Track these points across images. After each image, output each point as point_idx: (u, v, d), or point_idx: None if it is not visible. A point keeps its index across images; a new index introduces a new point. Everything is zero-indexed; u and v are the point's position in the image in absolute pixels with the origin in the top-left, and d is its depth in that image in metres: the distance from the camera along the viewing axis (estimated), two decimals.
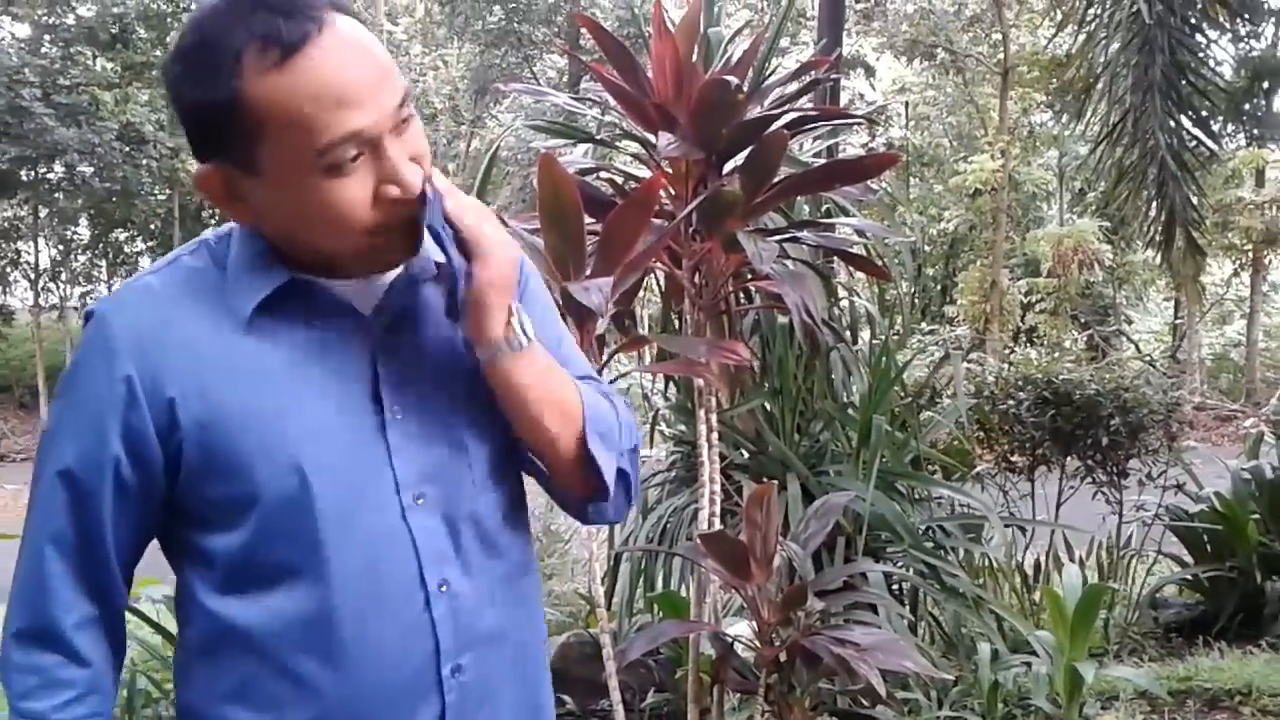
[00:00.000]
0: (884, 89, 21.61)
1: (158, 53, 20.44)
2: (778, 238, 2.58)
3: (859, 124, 3.91)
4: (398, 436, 1.20)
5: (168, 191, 20.57)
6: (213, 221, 22.76)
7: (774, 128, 2.45)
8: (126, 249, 23.35)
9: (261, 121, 1.10)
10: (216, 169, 1.16)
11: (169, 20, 19.82)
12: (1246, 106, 18.47)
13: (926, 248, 22.66)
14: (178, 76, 1.14)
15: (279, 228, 1.18)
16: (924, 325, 18.91)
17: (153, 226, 22.24)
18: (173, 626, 3.63)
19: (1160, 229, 6.66)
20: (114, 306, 1.21)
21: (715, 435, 2.62)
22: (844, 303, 4.23)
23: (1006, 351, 16.45)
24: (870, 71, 20.98)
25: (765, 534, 2.18)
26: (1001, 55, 18.90)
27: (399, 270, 1.23)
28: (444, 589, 1.20)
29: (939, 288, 22.73)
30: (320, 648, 1.16)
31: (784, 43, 18.16)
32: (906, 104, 21.19)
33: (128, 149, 18.43)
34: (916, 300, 21.98)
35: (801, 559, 2.31)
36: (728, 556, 2.17)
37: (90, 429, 1.17)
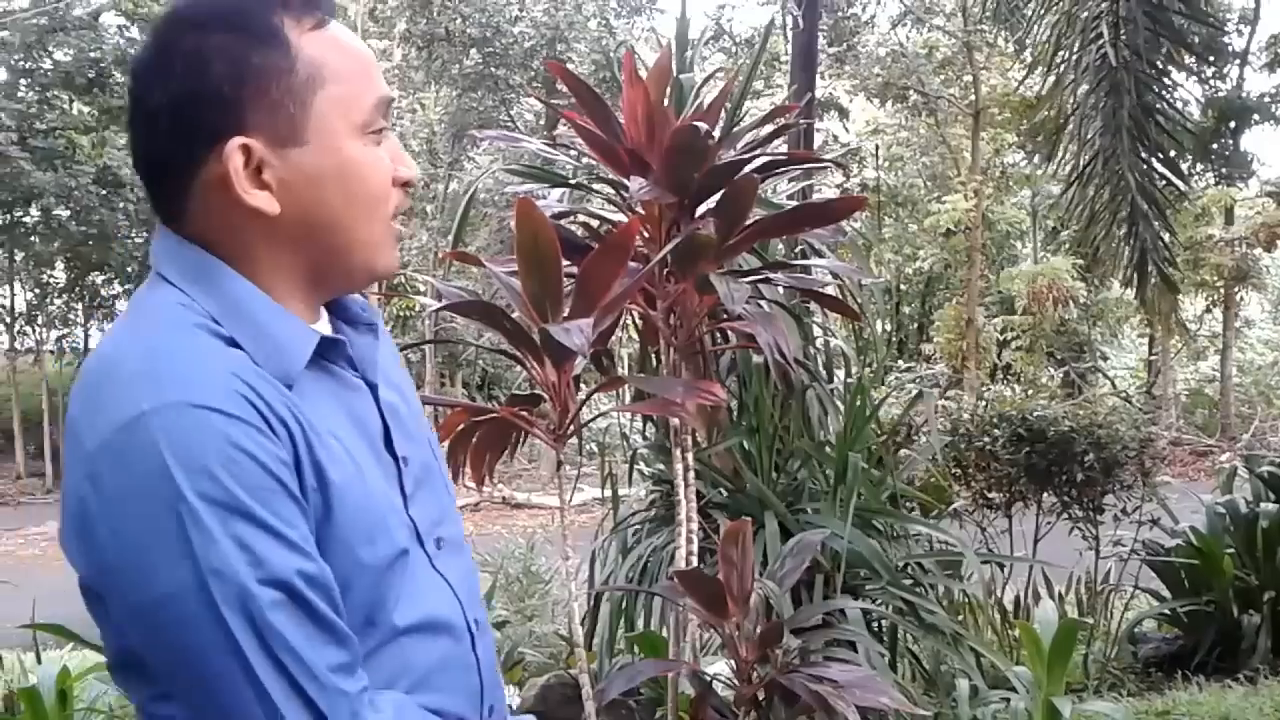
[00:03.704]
0: (858, 130, 21.83)
1: None
2: (750, 279, 2.61)
3: (829, 167, 3.96)
4: (410, 484, 1.18)
5: (145, 234, 20.52)
6: None
7: (745, 172, 2.49)
8: (103, 292, 23.23)
9: (318, 78, 1.09)
10: (244, 144, 1.07)
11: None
12: (1214, 146, 18.79)
13: (903, 286, 22.84)
14: (215, 45, 1.06)
15: (305, 210, 1.10)
16: (901, 363, 19.02)
17: (129, 270, 22.14)
18: None
19: (1133, 267, 6.76)
20: None
21: (691, 474, 2.64)
22: (820, 342, 4.27)
23: (983, 389, 16.54)
24: (844, 113, 21.19)
25: (742, 572, 2.19)
26: (973, 97, 19.15)
27: (324, 319, 1.20)
28: (478, 626, 1.21)
29: (916, 325, 22.90)
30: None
31: (759, 85, 18.37)
32: (876, 147, 21.39)
33: (104, 192, 18.42)
34: (894, 338, 22.14)
35: (778, 596, 2.33)
36: (705, 595, 2.18)
37: None
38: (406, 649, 1.10)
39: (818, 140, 15.35)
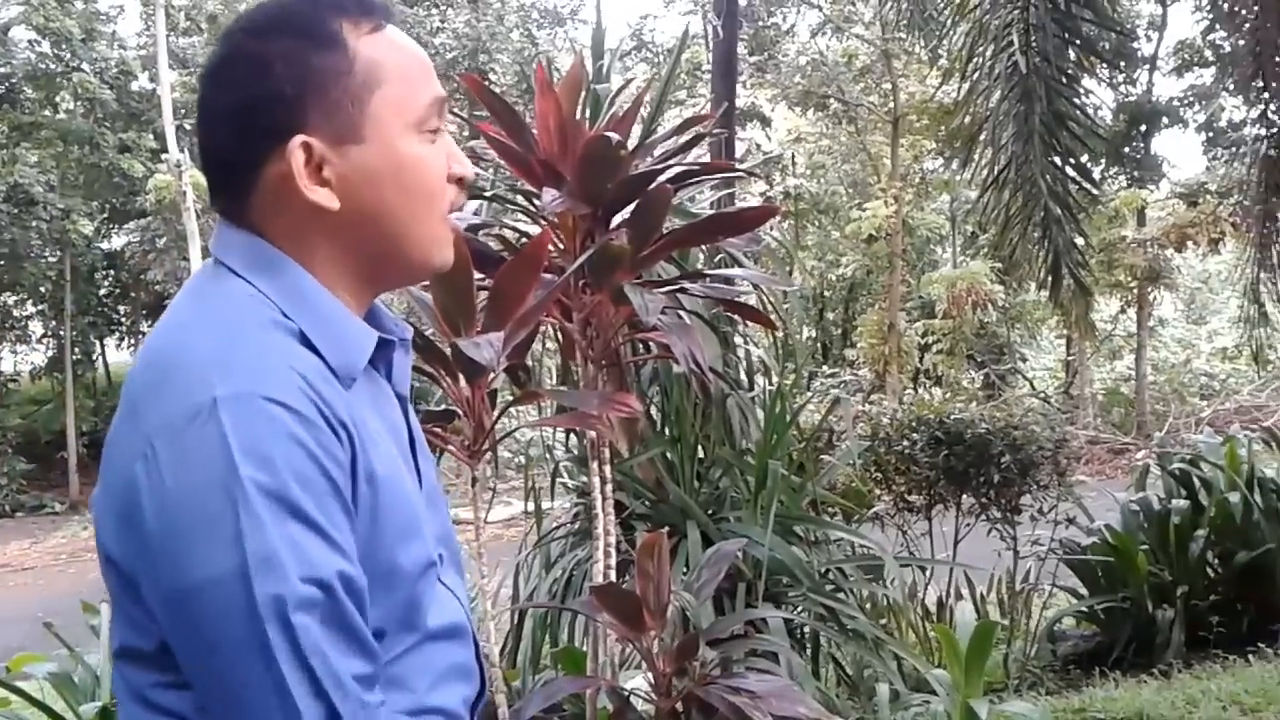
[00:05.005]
0: (780, 139, 22.00)
1: (46, 113, 20.02)
2: (665, 289, 2.61)
3: (743, 177, 3.97)
4: (425, 498, 1.20)
5: (58, 253, 20.06)
6: (106, 283, 22.26)
7: (659, 182, 2.49)
8: (15, 313, 22.69)
9: (375, 78, 1.13)
10: (306, 143, 1.11)
11: (58, 80, 19.44)
12: (1126, 149, 19.23)
13: (827, 292, 23.06)
14: (278, 49, 1.11)
15: (364, 205, 1.13)
16: (826, 368, 19.19)
17: (43, 289, 21.66)
18: (59, 705, 3.48)
19: (1047, 270, 6.88)
20: None
21: (610, 487, 2.63)
22: (741, 350, 4.29)
23: (905, 392, 16.75)
24: (766, 122, 21.36)
25: (659, 584, 2.19)
26: (892, 105, 19.39)
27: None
28: (476, 637, 1.25)
29: (839, 331, 23.11)
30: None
31: (681, 95, 18.45)
32: (793, 155, 21.59)
33: (15, 211, 17.96)
34: (818, 344, 22.33)
35: (695, 608, 2.32)
36: (621, 609, 2.17)
37: None
38: (431, 652, 1.14)
39: (740, 149, 15.46)
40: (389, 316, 1.25)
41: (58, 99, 20.19)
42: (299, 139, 1.10)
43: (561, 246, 2.67)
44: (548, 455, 4.56)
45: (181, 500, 0.98)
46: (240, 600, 0.96)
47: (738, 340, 4.23)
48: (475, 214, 3.33)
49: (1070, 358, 20.92)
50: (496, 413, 2.48)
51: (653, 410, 3.99)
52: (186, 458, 0.99)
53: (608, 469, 2.64)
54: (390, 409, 1.20)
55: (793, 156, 21.27)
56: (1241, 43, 7.87)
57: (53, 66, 19.44)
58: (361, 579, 1.03)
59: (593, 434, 2.64)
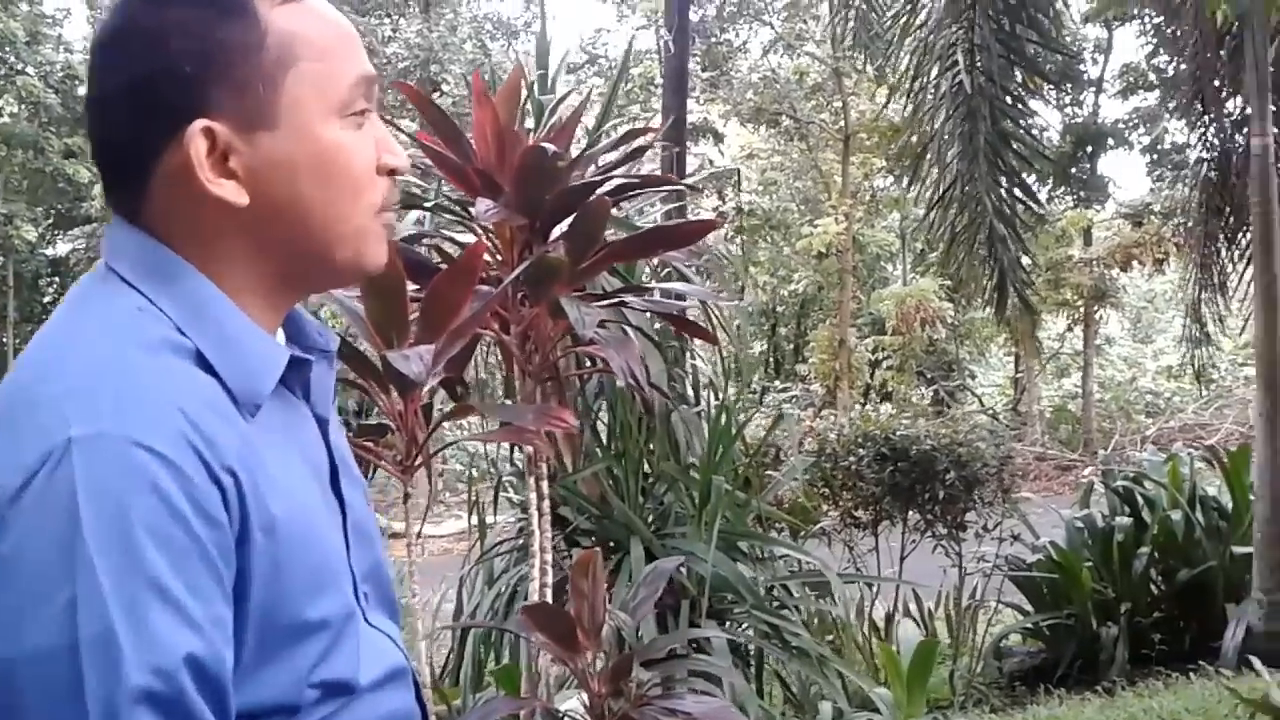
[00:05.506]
0: (733, 154, 22.09)
1: None
2: (604, 303, 2.57)
3: (685, 190, 3.95)
4: (351, 532, 1.06)
5: (1, 259, 19.70)
6: (50, 290, 21.88)
7: (598, 194, 2.46)
8: None
9: (291, 54, 0.98)
10: (208, 128, 0.95)
11: (1, 83, 19.12)
12: (1073, 170, 19.49)
13: (779, 308, 23.15)
14: (175, 19, 0.96)
15: (278, 201, 0.98)
16: (777, 383, 19.24)
17: None
18: None
19: (993, 288, 6.94)
20: None
21: (546, 503, 2.58)
22: (689, 364, 4.26)
23: (855, 407, 16.82)
24: (718, 137, 21.43)
25: (593, 604, 2.14)
26: (843, 122, 19.52)
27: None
28: (415, 679, 1.12)
29: (792, 346, 23.20)
30: None
31: (634, 109, 18.47)
32: (738, 172, 21.68)
33: None
34: (770, 359, 22.41)
35: (630, 627, 2.28)
36: (554, 629, 2.13)
37: None
38: (362, 707, 1.00)
39: (691, 164, 15.47)
40: (312, 324, 1.10)
41: (1, 103, 19.85)
42: (200, 123, 0.95)
43: (500, 258, 2.63)
44: (492, 469, 4.51)
45: (18, 556, 0.83)
46: (64, 687, 0.80)
47: (687, 355, 4.21)
48: (417, 224, 3.29)
49: (1019, 375, 21.13)
50: (432, 426, 2.42)
51: (599, 425, 3.95)
52: (29, 509, 0.83)
53: (545, 485, 2.60)
54: (307, 434, 1.05)
55: (738, 173, 21.35)
56: (1183, 67, 7.99)
57: None
58: (219, 658, 0.86)
59: (530, 449, 2.59)
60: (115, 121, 0.98)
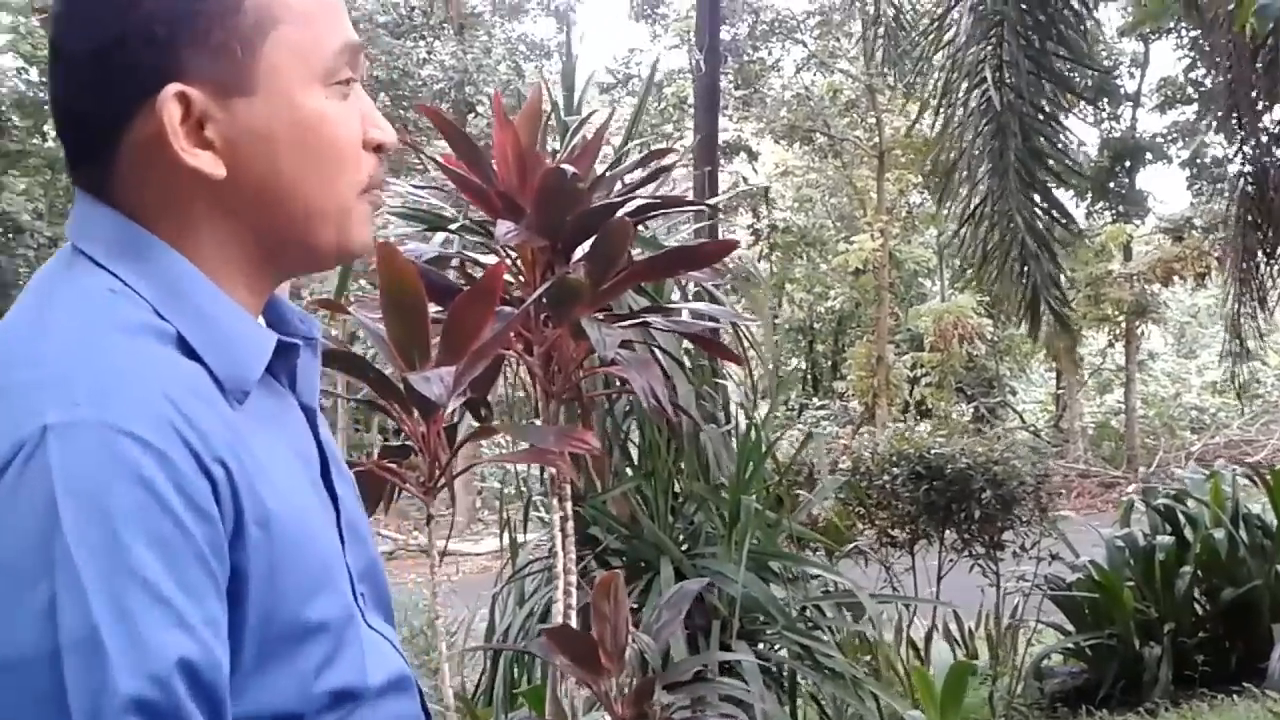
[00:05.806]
0: (767, 172, 22.08)
1: (35, 140, 20.01)
2: (625, 324, 2.56)
3: (705, 210, 3.94)
4: (345, 528, 1.00)
5: None
6: None
7: (619, 215, 2.45)
8: None
9: (270, 17, 0.91)
10: (182, 93, 0.88)
11: (45, 108, 19.46)
12: (1111, 184, 19.33)
13: (816, 325, 23.08)
14: None
15: (256, 173, 0.92)
16: (815, 400, 19.16)
17: None
18: None
19: (1026, 305, 6.87)
20: None
21: (570, 524, 2.57)
22: (720, 383, 4.25)
23: (893, 424, 16.70)
24: (753, 155, 21.44)
25: (615, 626, 2.13)
26: (877, 139, 19.48)
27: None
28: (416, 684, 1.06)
29: (829, 363, 23.12)
30: None
31: (667, 129, 18.52)
32: (769, 189, 21.67)
33: (3, 239, 17.92)
34: (808, 376, 22.32)
35: (654, 650, 2.26)
36: (576, 651, 2.11)
37: None
38: (379, 710, 0.95)
39: (726, 182, 15.49)
40: (294, 311, 1.04)
41: (46, 127, 20.20)
42: (173, 88, 0.88)
43: (522, 279, 2.63)
44: (523, 488, 4.51)
45: None
46: (43, 696, 0.74)
47: (717, 375, 4.20)
48: (444, 244, 3.30)
49: (1060, 391, 20.93)
50: (454, 447, 2.42)
51: (630, 444, 3.94)
52: (2, 505, 0.77)
53: (569, 505, 2.59)
54: (295, 425, 0.99)
55: (767, 191, 21.33)
56: (1220, 81, 7.91)
57: (40, 94, 19.43)
58: (212, 658, 0.79)
59: (552, 470, 2.58)
60: (81, 86, 0.91)
